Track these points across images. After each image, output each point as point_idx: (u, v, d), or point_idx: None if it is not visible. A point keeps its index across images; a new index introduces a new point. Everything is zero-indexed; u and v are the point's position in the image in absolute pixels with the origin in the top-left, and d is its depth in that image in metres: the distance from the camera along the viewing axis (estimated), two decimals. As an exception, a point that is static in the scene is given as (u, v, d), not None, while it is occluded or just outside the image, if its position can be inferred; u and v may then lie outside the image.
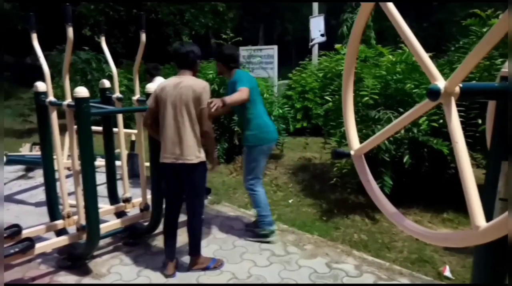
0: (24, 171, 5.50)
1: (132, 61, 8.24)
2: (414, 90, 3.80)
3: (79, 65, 8.49)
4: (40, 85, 3.14)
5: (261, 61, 7.66)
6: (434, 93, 1.10)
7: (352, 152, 1.51)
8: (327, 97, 4.68)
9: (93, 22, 13.04)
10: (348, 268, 3.03)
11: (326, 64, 5.72)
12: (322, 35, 9.05)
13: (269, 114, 5.98)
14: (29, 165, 5.13)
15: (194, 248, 2.97)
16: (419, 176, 3.96)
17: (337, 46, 5.43)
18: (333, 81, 4.78)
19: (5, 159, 4.51)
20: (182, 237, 3.24)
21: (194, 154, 2.73)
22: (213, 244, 3.42)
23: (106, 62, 8.21)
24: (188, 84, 2.71)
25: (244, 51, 7.85)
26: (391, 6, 1.21)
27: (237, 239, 3.53)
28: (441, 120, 3.54)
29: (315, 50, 9.12)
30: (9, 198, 4.59)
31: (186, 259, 3.11)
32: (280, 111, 6.26)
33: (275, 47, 8.20)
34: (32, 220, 3.88)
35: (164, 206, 3.06)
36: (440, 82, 1.10)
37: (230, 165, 5.74)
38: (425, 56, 1.15)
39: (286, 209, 4.28)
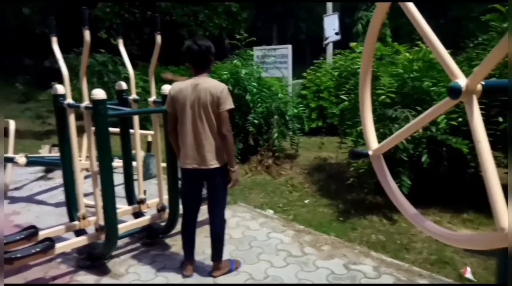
0: (43, 172, 5.60)
1: (147, 63, 8.30)
2: (432, 88, 3.73)
3: (96, 67, 8.62)
4: (59, 88, 3.20)
5: (275, 61, 7.65)
6: (455, 92, 1.08)
7: (370, 152, 1.48)
8: (342, 97, 4.64)
9: (109, 25, 13.22)
10: (366, 269, 2.99)
11: (342, 63, 5.67)
12: (336, 33, 8.99)
13: (283, 114, 6.03)
14: (49, 166, 5.22)
15: (217, 253, 2.93)
16: (438, 176, 3.89)
17: (352, 44, 5.39)
18: (349, 80, 4.74)
19: (26, 160, 4.59)
20: (199, 238, 3.26)
21: (215, 159, 2.69)
22: (230, 244, 3.42)
23: (122, 64, 8.36)
24: (206, 86, 2.63)
25: (258, 51, 7.86)
26: (409, 4, 1.19)
27: (253, 239, 3.53)
28: (460, 119, 3.47)
29: (329, 49, 9.06)
30: (30, 199, 4.68)
31: (203, 259, 3.13)
32: (295, 111, 6.23)
33: (289, 46, 8.18)
34: (52, 220, 3.96)
35: (181, 207, 3.07)
36: (461, 80, 1.07)
37: (245, 165, 5.74)
38: (445, 54, 1.12)
39: (302, 209, 4.25)
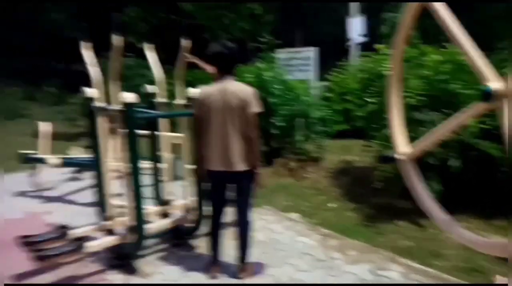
0: (75, 172, 5.78)
1: (171, 66, 8.45)
2: (461, 91, 3.64)
3: (124, 71, 8.82)
4: (89, 91, 3.30)
5: (299, 63, 7.64)
6: (488, 95, 1.06)
7: (399, 156, 1.47)
8: (368, 99, 4.59)
9: (136, 29, 13.51)
10: (393, 275, 2.94)
11: (369, 65, 5.61)
12: (361, 35, 8.90)
13: (307, 116, 6.00)
14: (79, 167, 5.39)
15: (243, 255, 2.96)
16: (468, 180, 3.78)
17: (378, 46, 5.32)
18: (375, 82, 4.68)
19: (59, 161, 4.77)
20: (225, 239, 3.29)
21: (242, 161, 2.71)
22: (255, 247, 3.41)
23: (148, 67, 8.53)
24: (234, 90, 2.66)
25: (282, 54, 7.86)
26: (438, 5, 1.18)
27: (278, 242, 3.53)
28: (491, 122, 3.37)
29: (353, 51, 8.97)
30: (61, 199, 4.85)
31: (229, 261, 3.15)
32: (319, 113, 6.20)
33: (314, 49, 8.14)
34: (82, 219, 4.05)
35: (207, 209, 3.11)
36: (494, 84, 1.06)
37: (269, 168, 5.75)
38: (476, 56, 1.11)
39: (327, 213, 4.23)
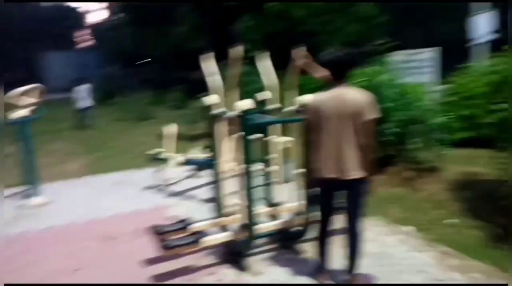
0: (194, 170, 6.30)
1: (283, 72, 8.63)
2: None
3: (239, 77, 9.32)
4: (210, 98, 3.58)
5: (418, 66, 7.15)
6: None
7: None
8: (501, 105, 4.09)
9: (250, 38, 14.15)
10: (529, 306, 2.57)
11: (501, 66, 4.99)
12: (490, 32, 7.96)
13: (426, 122, 5.57)
14: (199, 166, 5.85)
15: (353, 265, 2.90)
16: None
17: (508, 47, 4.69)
18: (508, 85, 4.14)
19: (182, 160, 5.26)
20: (334, 247, 3.25)
21: (357, 169, 2.66)
22: (365, 258, 3.31)
23: (263, 74, 8.87)
24: (351, 96, 2.62)
25: (398, 56, 7.46)
26: None
27: (391, 256, 3.36)
28: None
29: (478, 50, 8.06)
30: (182, 194, 5.33)
31: (337, 269, 3.11)
32: (440, 119, 5.71)
33: (436, 49, 7.54)
34: (200, 214, 4.41)
35: (318, 214, 3.11)
36: None
37: (382, 176, 5.49)
38: None
39: (447, 229, 3.87)
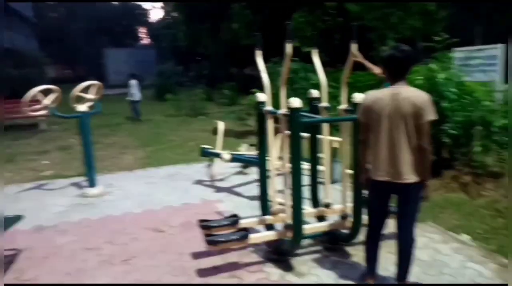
0: (241, 167, 6.36)
1: (335, 69, 8.42)
2: None
3: (289, 74, 9.27)
4: (260, 96, 3.58)
5: (481, 63, 6.69)
6: None
7: None
8: None
9: (302, 34, 14.01)
10: None
11: None
12: None
13: (488, 124, 5.19)
14: (246, 163, 5.90)
15: (403, 272, 2.76)
16: None
17: None
18: None
19: (230, 156, 5.33)
20: (383, 252, 3.13)
21: (411, 172, 2.53)
22: (416, 266, 3.15)
23: (312, 71, 8.74)
24: (407, 96, 2.49)
25: (459, 53, 7.03)
26: None
27: (445, 265, 3.17)
28: None
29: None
30: (230, 190, 5.40)
31: (386, 276, 2.99)
32: (502, 121, 5.29)
33: (500, 46, 7.00)
34: (246, 211, 4.45)
35: (367, 217, 3.00)
36: None
37: (437, 180, 5.21)
38: None
39: (506, 240, 3.58)
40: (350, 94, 3.36)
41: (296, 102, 2.89)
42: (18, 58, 31.21)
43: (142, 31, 59.52)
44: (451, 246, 3.49)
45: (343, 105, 3.47)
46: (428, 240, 3.64)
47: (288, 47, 2.99)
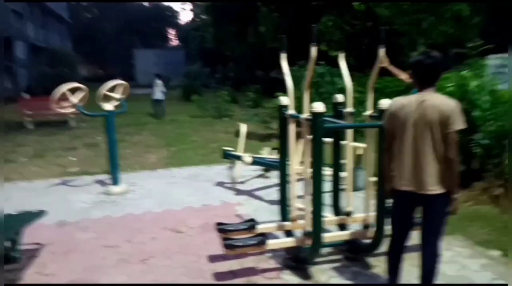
0: (263, 171, 6.31)
1: (363, 74, 8.24)
2: None
3: (314, 78, 9.16)
4: (283, 99, 3.52)
5: (517, 71, 6.38)
6: None
7: None
8: None
9: (330, 37, 13.86)
10: None
11: None
12: None
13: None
14: (268, 166, 5.84)
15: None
16: None
17: None
18: None
19: (251, 159, 5.29)
20: (406, 265, 3.01)
21: (437, 184, 2.41)
22: (441, 281, 3.01)
23: (339, 75, 8.60)
24: (434, 103, 2.37)
25: (494, 60, 6.75)
26: None
27: (472, 281, 3.01)
28: None
29: None
30: (250, 193, 5.35)
31: (407, 289, 2.87)
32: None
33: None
34: (266, 215, 4.41)
35: (390, 228, 2.89)
36: None
37: (466, 191, 4.99)
38: None
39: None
40: (377, 100, 3.25)
41: (319, 107, 2.81)
42: (52, 57, 32.38)
43: (171, 33, 60.59)
44: (479, 262, 3.32)
45: (369, 111, 3.36)
46: (455, 254, 3.48)
47: (313, 51, 2.93)
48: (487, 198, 4.78)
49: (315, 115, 2.84)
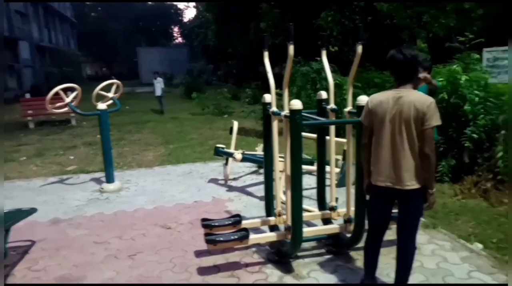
0: (256, 167, 6.37)
1: (363, 69, 8.21)
2: None
3: (311, 74, 9.19)
4: (267, 97, 3.58)
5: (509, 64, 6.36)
6: None
7: None
8: None
9: (329, 33, 13.83)
10: None
11: None
12: None
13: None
14: (258, 163, 5.91)
15: (400, 279, 2.68)
16: None
17: None
18: None
19: (241, 156, 5.35)
20: (386, 258, 3.07)
21: (413, 179, 2.45)
22: (420, 273, 3.06)
23: (335, 71, 8.62)
24: (410, 100, 2.40)
25: (488, 54, 6.72)
26: None
27: (450, 274, 3.05)
28: None
29: None
30: (242, 189, 5.42)
31: (386, 281, 2.92)
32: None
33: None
34: (255, 211, 4.48)
35: (366, 222, 2.94)
36: None
37: (456, 185, 5.02)
38: None
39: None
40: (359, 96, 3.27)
41: (297, 104, 2.86)
42: (57, 57, 32.65)
43: (175, 31, 60.71)
44: (460, 255, 3.35)
45: (348, 108, 3.40)
46: (437, 247, 3.51)
47: (290, 49, 2.97)
48: (477, 192, 4.80)
49: (293, 112, 2.88)
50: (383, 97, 2.52)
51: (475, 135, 5.01)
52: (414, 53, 2.49)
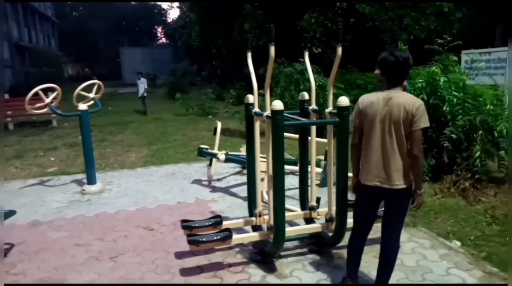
0: (241, 167, 6.37)
1: (346, 70, 8.30)
2: None
3: (295, 75, 9.23)
4: (250, 98, 3.59)
5: (487, 66, 6.53)
6: None
7: None
8: None
9: (312, 35, 13.93)
10: None
11: None
12: None
13: (492, 129, 5.08)
14: (242, 164, 5.91)
15: (383, 277, 2.72)
16: None
17: None
18: None
19: (224, 157, 5.35)
20: (367, 257, 3.11)
21: (402, 179, 2.49)
22: (399, 271, 3.12)
23: (318, 72, 8.68)
24: (400, 101, 2.44)
25: (466, 56, 6.89)
26: None
27: (429, 271, 3.12)
28: None
29: None
30: (226, 190, 5.41)
31: (367, 280, 2.97)
32: (507, 126, 5.16)
33: (509, 48, 6.82)
34: (239, 212, 4.48)
35: (351, 221, 2.97)
36: None
37: (436, 184, 5.13)
38: None
39: (501, 247, 3.50)
40: (360, 95, 3.28)
41: (278, 105, 2.88)
42: (37, 57, 31.94)
43: (159, 31, 60.21)
44: (439, 252, 3.42)
45: (329, 108, 3.44)
46: (417, 245, 3.58)
47: (271, 50, 2.99)
48: (455, 191, 4.91)
49: (275, 113, 2.90)
50: (374, 98, 2.55)
51: (454, 136, 5.11)
52: (406, 55, 2.52)
